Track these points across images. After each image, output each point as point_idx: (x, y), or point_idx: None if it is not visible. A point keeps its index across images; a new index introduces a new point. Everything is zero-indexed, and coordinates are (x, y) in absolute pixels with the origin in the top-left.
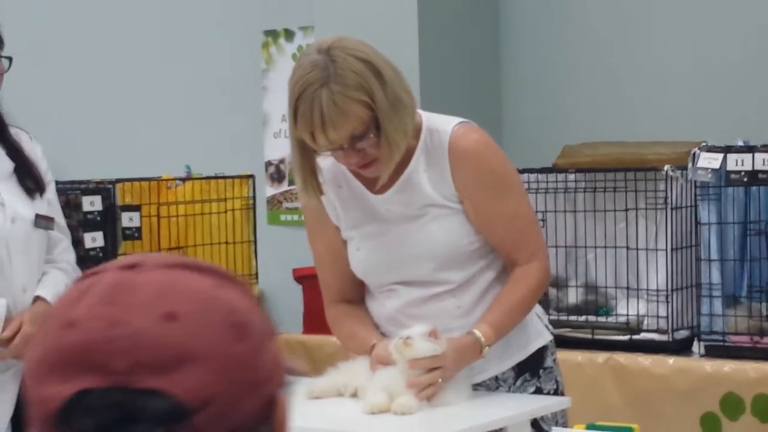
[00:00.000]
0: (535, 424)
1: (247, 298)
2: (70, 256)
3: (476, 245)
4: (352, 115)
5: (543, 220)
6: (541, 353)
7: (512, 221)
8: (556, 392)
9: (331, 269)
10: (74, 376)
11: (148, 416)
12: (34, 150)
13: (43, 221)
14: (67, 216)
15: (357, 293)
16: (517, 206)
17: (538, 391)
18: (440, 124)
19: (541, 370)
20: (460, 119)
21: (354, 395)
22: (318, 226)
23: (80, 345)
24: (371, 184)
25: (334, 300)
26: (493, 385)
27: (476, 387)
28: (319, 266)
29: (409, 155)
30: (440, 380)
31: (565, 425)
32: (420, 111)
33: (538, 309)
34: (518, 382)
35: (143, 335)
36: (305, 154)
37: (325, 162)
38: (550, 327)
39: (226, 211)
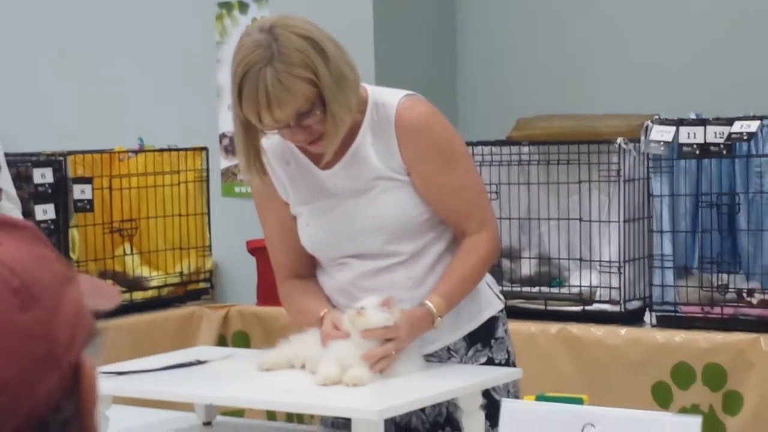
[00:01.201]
0: (487, 394)
1: (32, 246)
2: None
3: (425, 216)
4: (297, 93)
5: (497, 193)
6: (492, 323)
7: (460, 192)
8: (508, 362)
9: (281, 246)
10: None
11: None
12: None
13: None
14: (17, 188)
15: (308, 268)
16: (465, 177)
17: (490, 361)
18: (386, 98)
19: (492, 341)
20: (407, 92)
21: (303, 367)
22: (267, 204)
23: None
24: (318, 160)
25: (285, 276)
26: (445, 355)
27: (428, 358)
28: (269, 243)
29: (355, 130)
30: (394, 352)
31: (516, 396)
32: (365, 85)
33: (489, 278)
34: (470, 353)
35: None
36: (249, 134)
37: (273, 139)
38: (502, 297)
39: (179, 184)
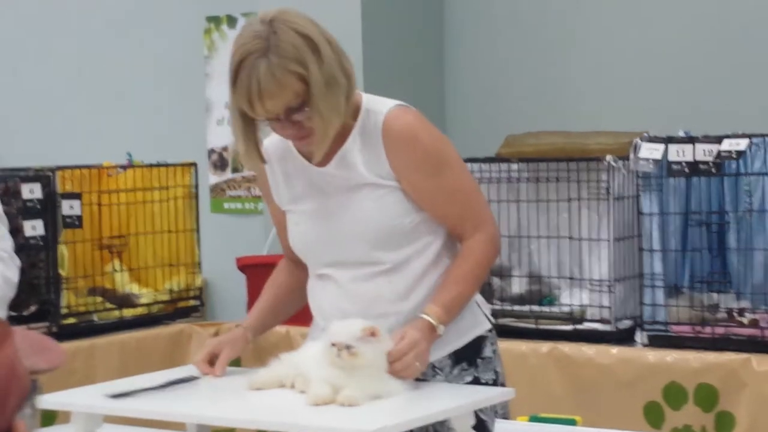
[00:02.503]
0: (474, 414)
1: None
2: (7, 243)
3: (413, 223)
4: (287, 87)
5: None
6: (479, 342)
7: (452, 196)
8: (495, 383)
9: (283, 231)
10: None
11: None
12: None
13: None
14: (6, 204)
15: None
16: (455, 181)
17: (476, 380)
18: (377, 105)
19: (479, 360)
20: (398, 102)
21: (293, 386)
22: (268, 199)
23: None
24: (313, 158)
25: (286, 256)
26: (430, 373)
27: None
28: (275, 224)
29: (346, 134)
30: (417, 363)
31: (505, 416)
32: (362, 92)
33: (479, 298)
34: (455, 371)
35: None
36: (246, 121)
37: (273, 137)
38: (491, 318)
39: (168, 200)
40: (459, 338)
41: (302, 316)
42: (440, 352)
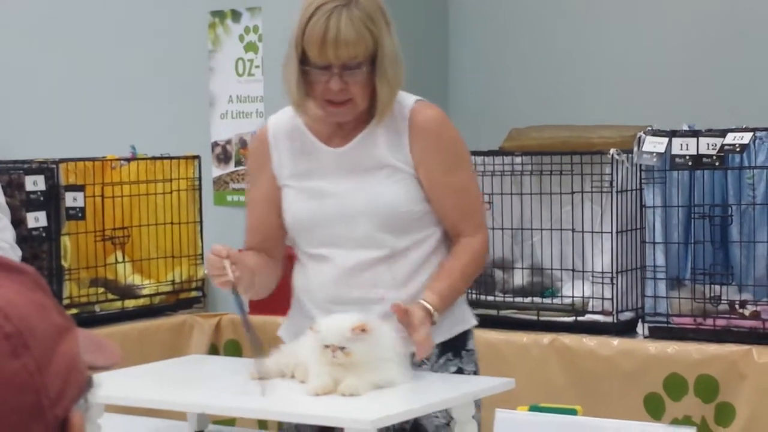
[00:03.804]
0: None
1: (31, 293)
2: (9, 234)
3: (418, 213)
4: (362, 39)
5: (490, 203)
6: (464, 335)
7: (462, 193)
8: (475, 374)
9: (258, 214)
10: None
11: None
12: None
13: None
14: (9, 195)
15: (274, 248)
16: (467, 180)
17: (460, 371)
18: (402, 97)
19: (463, 352)
20: (419, 97)
21: (293, 376)
22: (259, 172)
23: None
24: (328, 139)
25: (249, 245)
26: (417, 361)
27: None
28: (249, 209)
29: (368, 118)
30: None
31: (479, 409)
32: None
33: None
34: (441, 360)
35: None
36: (300, 70)
37: (282, 116)
38: (475, 317)
39: (171, 192)
40: (450, 329)
41: None
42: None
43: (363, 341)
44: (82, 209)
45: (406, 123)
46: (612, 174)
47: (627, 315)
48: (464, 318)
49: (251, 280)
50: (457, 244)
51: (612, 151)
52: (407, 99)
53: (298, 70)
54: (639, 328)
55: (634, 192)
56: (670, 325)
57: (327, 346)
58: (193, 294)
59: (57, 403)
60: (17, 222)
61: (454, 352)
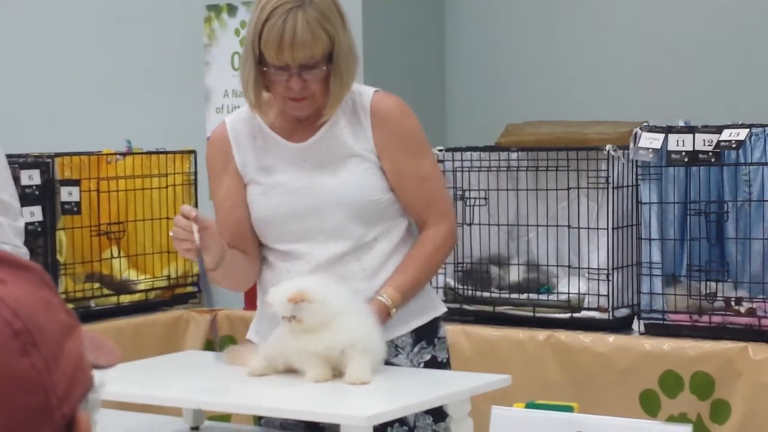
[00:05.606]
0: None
1: (38, 290)
2: (8, 233)
3: (385, 203)
4: (318, 41)
5: (485, 199)
6: (435, 323)
7: (425, 181)
8: (448, 362)
9: (226, 213)
10: None
11: None
12: None
13: None
14: None
15: (246, 245)
16: (430, 168)
17: (434, 359)
18: (361, 89)
19: (435, 339)
20: (377, 88)
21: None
22: (222, 171)
23: None
24: (289, 135)
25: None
26: (392, 352)
27: None
28: (216, 209)
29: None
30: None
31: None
32: None
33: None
34: (416, 349)
35: None
36: (257, 70)
37: (240, 116)
38: (443, 305)
39: (167, 186)
40: (419, 317)
41: None
42: (403, 328)
43: (306, 309)
44: (78, 204)
45: (367, 113)
46: (608, 170)
47: (623, 311)
48: (434, 305)
49: (221, 253)
50: (421, 235)
51: (608, 147)
52: (366, 90)
53: (255, 71)
54: (635, 325)
55: (629, 188)
56: (665, 322)
57: (284, 317)
58: (189, 289)
59: (64, 402)
60: None
61: (427, 339)
